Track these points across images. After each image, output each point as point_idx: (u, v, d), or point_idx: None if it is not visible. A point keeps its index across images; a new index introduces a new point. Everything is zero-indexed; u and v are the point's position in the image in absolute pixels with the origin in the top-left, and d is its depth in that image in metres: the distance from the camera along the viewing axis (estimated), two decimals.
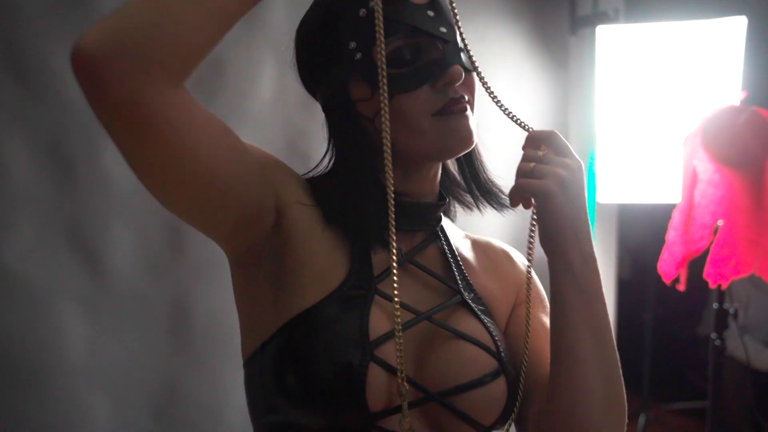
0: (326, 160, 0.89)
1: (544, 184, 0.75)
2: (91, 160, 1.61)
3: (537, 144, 0.79)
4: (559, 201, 0.75)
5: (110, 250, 1.65)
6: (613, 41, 2.37)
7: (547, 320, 0.88)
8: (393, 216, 0.76)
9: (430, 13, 0.79)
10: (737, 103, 2.06)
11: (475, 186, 0.93)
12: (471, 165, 0.93)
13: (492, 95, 0.85)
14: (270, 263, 0.80)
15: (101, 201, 1.64)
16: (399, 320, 0.73)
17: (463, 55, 0.81)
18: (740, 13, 2.22)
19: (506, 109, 0.86)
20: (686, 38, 2.26)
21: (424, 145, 0.80)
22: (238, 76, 1.80)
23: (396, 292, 0.74)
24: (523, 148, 0.80)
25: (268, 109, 1.85)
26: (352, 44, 0.78)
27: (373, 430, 0.74)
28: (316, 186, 0.86)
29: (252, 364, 0.80)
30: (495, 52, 2.34)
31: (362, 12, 0.78)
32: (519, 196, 0.78)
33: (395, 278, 0.75)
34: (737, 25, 2.20)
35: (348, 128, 0.84)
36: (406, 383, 0.72)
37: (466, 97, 0.81)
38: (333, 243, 0.81)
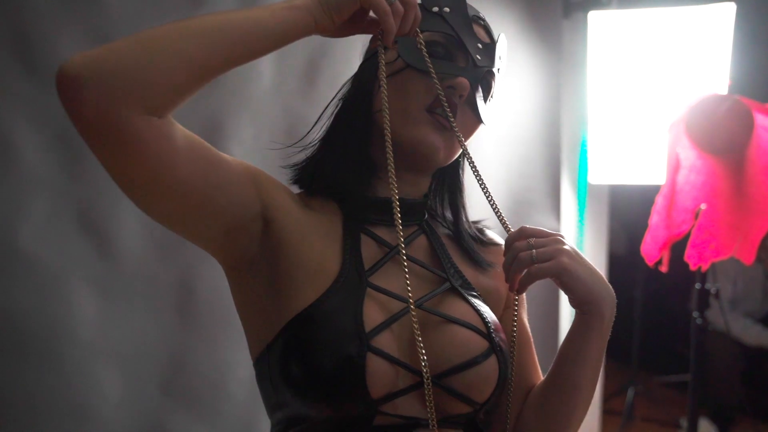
0: (315, 135, 0.95)
1: (556, 263, 0.80)
2: None
3: (519, 237, 0.84)
4: (576, 270, 0.81)
5: (119, 231, 1.68)
6: (604, 26, 2.41)
7: (526, 320, 0.96)
8: (397, 205, 0.83)
9: (480, 46, 0.87)
10: (725, 91, 2.11)
11: (454, 221, 0.99)
12: (454, 204, 0.99)
13: (478, 178, 0.91)
14: (264, 268, 0.84)
15: (110, 185, 1.61)
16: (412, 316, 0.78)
17: (479, 98, 0.88)
18: (729, 0, 2.26)
19: (494, 203, 0.92)
20: (676, 24, 2.30)
21: (406, 131, 0.85)
22: None
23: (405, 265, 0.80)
24: (509, 245, 0.85)
25: (268, 96, 1.87)
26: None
27: (377, 416, 0.78)
28: (305, 172, 0.92)
29: (260, 364, 0.85)
30: (501, 40, 2.36)
31: (435, 9, 0.87)
32: (533, 281, 0.82)
33: (404, 262, 0.81)
34: (726, 12, 2.24)
35: (359, 92, 0.90)
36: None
37: (453, 121, 0.86)
38: (323, 242, 0.85)
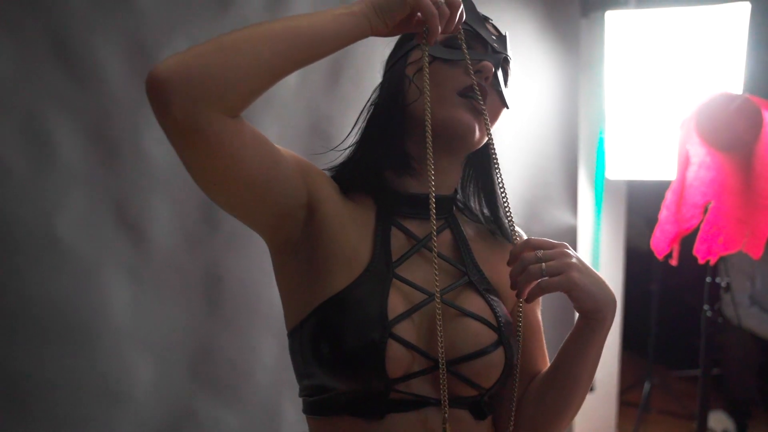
0: (350, 139, 1.00)
1: (566, 277, 0.85)
2: (134, 143, 1.71)
3: (526, 249, 0.88)
4: (585, 284, 0.86)
5: (151, 223, 1.75)
6: (621, 25, 2.45)
7: (539, 314, 1.02)
8: (432, 190, 0.89)
9: (494, 37, 0.96)
10: (739, 89, 2.14)
11: (490, 212, 1.04)
12: (492, 203, 1.04)
13: (497, 169, 0.97)
14: (304, 252, 0.91)
15: (143, 180, 1.74)
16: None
17: (501, 83, 0.96)
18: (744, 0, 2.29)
19: (507, 204, 0.98)
20: (691, 23, 2.33)
21: (442, 113, 0.91)
22: None
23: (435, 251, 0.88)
24: (516, 257, 0.89)
25: (292, 94, 1.93)
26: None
27: (392, 392, 0.86)
28: (342, 174, 0.98)
29: (293, 336, 0.92)
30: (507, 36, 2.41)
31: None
32: (543, 294, 0.87)
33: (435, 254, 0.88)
34: (741, 11, 2.27)
35: (393, 82, 0.97)
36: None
37: (483, 103, 0.92)
38: (358, 233, 0.92)
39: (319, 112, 1.97)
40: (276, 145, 0.89)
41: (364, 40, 0.94)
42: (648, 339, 3.58)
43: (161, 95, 0.73)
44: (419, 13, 0.86)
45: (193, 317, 1.82)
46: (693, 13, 2.34)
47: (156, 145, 1.73)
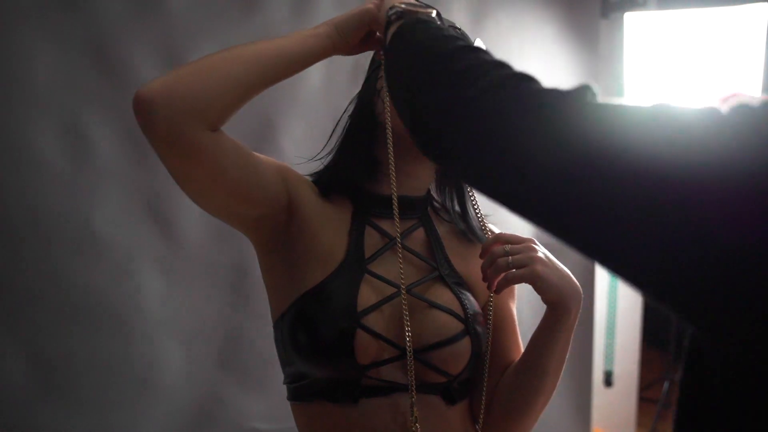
0: (333, 144, 1.08)
1: (530, 270, 0.91)
2: None
3: (495, 243, 0.94)
4: (548, 276, 0.92)
5: (182, 219, 1.84)
6: (640, 27, 2.48)
7: (513, 307, 1.08)
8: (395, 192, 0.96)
9: None
10: (757, 90, 2.16)
11: (460, 210, 1.10)
12: (462, 204, 1.09)
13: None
14: (285, 251, 0.98)
15: None
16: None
17: None
18: (764, 0, 2.30)
19: (475, 202, 1.05)
20: (710, 24, 2.36)
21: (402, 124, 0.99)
22: None
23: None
24: (486, 250, 0.95)
25: (317, 95, 2.00)
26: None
27: (364, 378, 0.92)
28: (322, 178, 1.05)
29: (277, 327, 1.00)
30: (527, 37, 2.45)
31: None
32: (509, 285, 0.94)
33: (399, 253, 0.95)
34: (760, 12, 2.29)
35: (363, 101, 1.04)
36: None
37: None
38: (334, 232, 0.99)
39: (342, 112, 2.03)
40: (256, 154, 0.96)
41: None
42: (669, 335, 3.60)
43: (147, 113, 0.82)
44: (378, 33, 0.93)
45: (221, 308, 1.91)
46: (712, 15, 2.37)
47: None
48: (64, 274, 1.77)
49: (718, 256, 0.42)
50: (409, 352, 0.91)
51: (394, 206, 0.96)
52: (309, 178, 1.05)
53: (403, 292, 0.93)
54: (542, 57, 2.49)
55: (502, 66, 0.57)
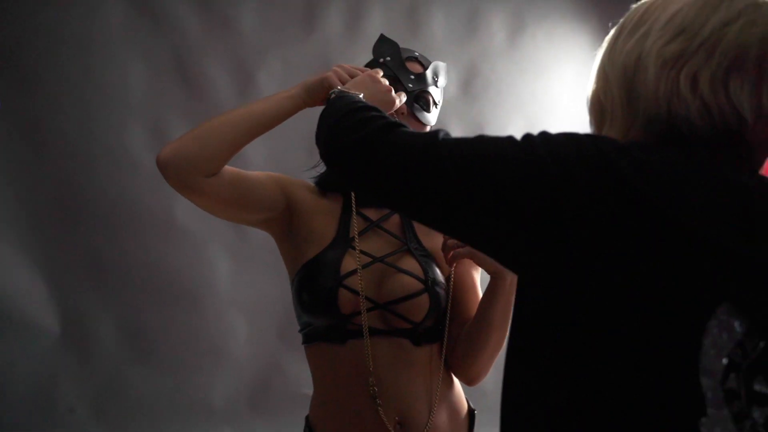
0: None
1: (468, 249, 1.15)
2: None
3: None
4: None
5: None
6: None
7: (477, 276, 1.32)
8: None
9: (412, 77, 1.26)
10: None
11: None
12: None
13: None
14: (291, 236, 1.25)
15: None
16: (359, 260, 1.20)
17: (416, 110, 1.25)
18: None
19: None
20: None
21: None
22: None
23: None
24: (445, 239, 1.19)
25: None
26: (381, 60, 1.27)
27: (350, 325, 1.18)
28: (321, 178, 1.29)
29: (292, 289, 1.26)
30: (562, 49, 2.64)
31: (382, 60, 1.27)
32: (457, 259, 1.18)
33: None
34: None
35: None
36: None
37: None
38: (327, 219, 1.25)
39: None
40: (253, 174, 1.22)
41: None
42: None
43: (163, 170, 1.09)
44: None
45: (281, 288, 1.99)
46: None
47: (251, 146, 2.08)
48: (150, 257, 2.06)
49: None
50: (381, 304, 1.18)
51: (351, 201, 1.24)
52: (311, 181, 1.30)
53: (379, 259, 1.21)
54: (576, 68, 2.68)
55: (383, 118, 0.84)
